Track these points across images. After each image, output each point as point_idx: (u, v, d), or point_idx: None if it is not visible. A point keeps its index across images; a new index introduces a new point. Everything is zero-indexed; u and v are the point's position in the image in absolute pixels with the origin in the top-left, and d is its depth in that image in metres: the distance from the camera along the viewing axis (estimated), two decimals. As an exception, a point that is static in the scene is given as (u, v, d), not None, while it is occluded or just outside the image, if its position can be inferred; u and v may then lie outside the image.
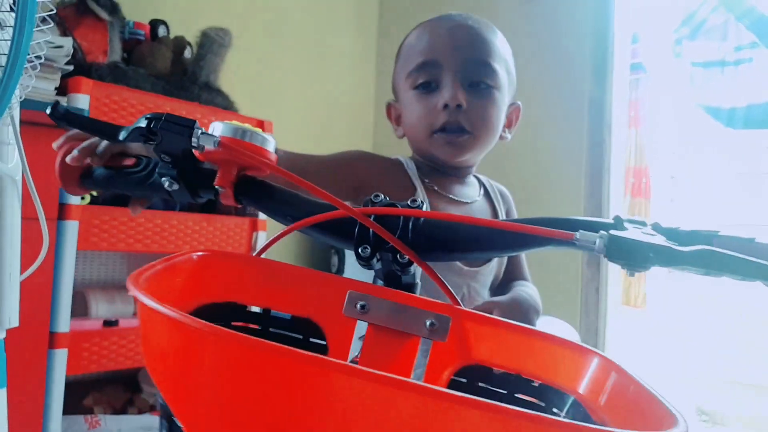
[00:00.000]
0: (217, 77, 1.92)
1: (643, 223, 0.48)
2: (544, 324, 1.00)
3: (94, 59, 1.69)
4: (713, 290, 4.13)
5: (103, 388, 1.86)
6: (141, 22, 1.92)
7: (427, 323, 0.51)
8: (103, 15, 1.72)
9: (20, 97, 0.73)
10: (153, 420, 1.83)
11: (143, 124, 0.52)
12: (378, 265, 0.52)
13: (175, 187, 0.55)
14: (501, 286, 0.99)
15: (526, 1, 2.53)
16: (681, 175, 4.22)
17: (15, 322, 0.81)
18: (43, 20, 0.70)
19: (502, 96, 0.93)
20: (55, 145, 0.64)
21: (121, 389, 1.90)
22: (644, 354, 3.71)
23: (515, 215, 1.04)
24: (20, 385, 1.43)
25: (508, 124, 0.98)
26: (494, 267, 0.97)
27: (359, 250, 0.50)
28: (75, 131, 0.63)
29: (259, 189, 0.55)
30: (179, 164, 0.54)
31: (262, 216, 1.97)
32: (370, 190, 0.65)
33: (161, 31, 1.96)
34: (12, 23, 0.60)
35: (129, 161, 0.62)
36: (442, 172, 0.96)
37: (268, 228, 1.99)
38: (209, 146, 0.50)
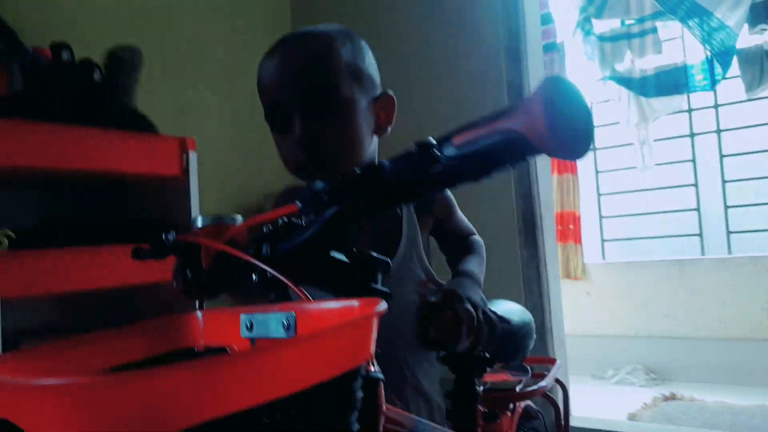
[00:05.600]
0: (131, 98, 1.83)
1: None
2: (497, 306, 1.00)
3: (-6, 93, 1.57)
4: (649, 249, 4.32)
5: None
6: (41, 47, 1.80)
7: None
8: (-2, 44, 1.61)
9: None
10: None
11: None
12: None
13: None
14: (456, 247, 1.07)
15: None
16: (601, 145, 4.38)
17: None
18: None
19: (355, 106, 0.92)
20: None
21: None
22: (590, 319, 3.84)
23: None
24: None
25: (384, 121, 0.97)
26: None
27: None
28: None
29: None
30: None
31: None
32: None
33: (65, 55, 1.84)
34: None
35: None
36: None
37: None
38: None
